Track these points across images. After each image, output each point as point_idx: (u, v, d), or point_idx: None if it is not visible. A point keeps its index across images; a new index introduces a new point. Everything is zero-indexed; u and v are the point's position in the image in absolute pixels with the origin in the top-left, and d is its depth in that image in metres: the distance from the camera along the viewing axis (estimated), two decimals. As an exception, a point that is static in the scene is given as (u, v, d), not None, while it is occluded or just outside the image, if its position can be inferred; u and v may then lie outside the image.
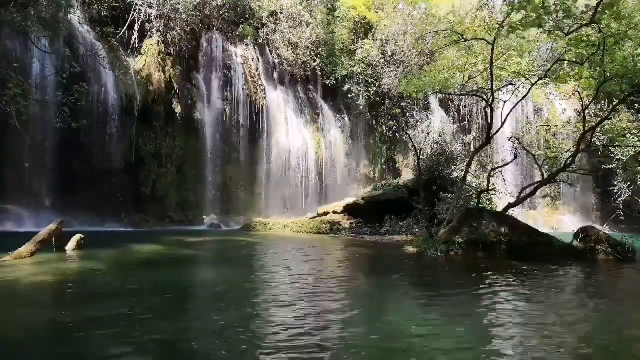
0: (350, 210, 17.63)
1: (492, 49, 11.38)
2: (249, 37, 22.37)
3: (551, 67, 12.41)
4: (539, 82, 12.71)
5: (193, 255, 10.18)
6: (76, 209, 15.03)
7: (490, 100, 12.47)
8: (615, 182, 20.91)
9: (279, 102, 22.52)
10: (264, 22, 22.74)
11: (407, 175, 23.40)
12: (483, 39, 12.13)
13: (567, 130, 23.04)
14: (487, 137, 13.19)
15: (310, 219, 17.75)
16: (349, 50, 24.57)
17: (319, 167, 22.92)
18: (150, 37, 19.09)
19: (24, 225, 14.03)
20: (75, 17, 16.87)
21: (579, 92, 13.75)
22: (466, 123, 26.44)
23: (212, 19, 21.46)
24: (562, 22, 10.52)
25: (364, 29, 25.53)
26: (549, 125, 25.36)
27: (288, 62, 22.83)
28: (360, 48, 24.37)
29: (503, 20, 11.12)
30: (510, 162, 13.75)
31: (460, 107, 26.91)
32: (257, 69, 22.18)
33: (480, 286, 6.67)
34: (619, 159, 19.24)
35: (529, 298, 5.92)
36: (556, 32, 10.89)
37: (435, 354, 3.65)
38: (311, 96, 24.34)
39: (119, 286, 5.99)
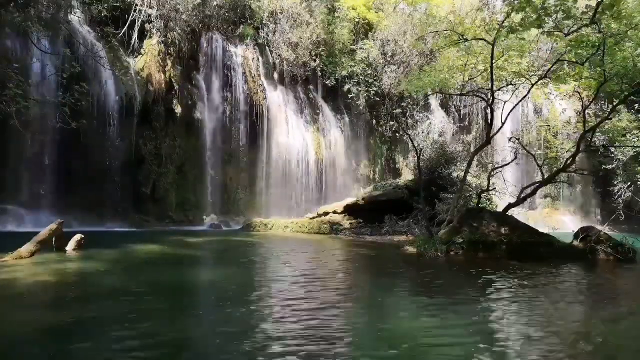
0: (350, 210, 17.63)
1: (492, 49, 11.38)
2: (249, 37, 22.36)
3: (551, 67, 12.40)
4: (539, 82, 12.70)
5: (193, 255, 10.18)
6: (76, 209, 15.02)
7: (490, 100, 12.47)
8: (615, 182, 20.89)
9: (279, 102, 22.51)
10: (264, 22, 22.73)
11: (407, 175, 23.41)
12: (483, 39, 12.13)
13: (567, 130, 23.01)
14: (487, 137, 13.20)
15: (310, 219, 17.75)
16: (349, 50, 24.55)
17: (319, 167, 22.91)
18: (150, 37, 19.08)
19: (24, 225, 14.02)
20: (75, 17, 16.87)
21: (579, 92, 13.74)
22: (466, 123, 26.43)
23: (212, 19, 21.44)
24: (562, 23, 10.52)
25: (364, 29, 25.52)
26: (549, 125, 25.33)
27: (288, 62, 22.81)
28: (360, 48, 24.36)
29: (503, 21, 11.13)
30: (510, 162, 13.75)
31: (460, 107, 26.89)
32: (257, 69, 22.17)
33: (481, 286, 6.67)
34: (619, 159, 19.22)
35: (529, 298, 5.92)
36: (556, 32, 10.89)
37: (436, 354, 3.65)
38: (311, 96, 24.33)
39: (118, 286, 5.99)
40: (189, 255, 9.87)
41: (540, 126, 25.73)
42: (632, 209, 19.41)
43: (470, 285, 6.81)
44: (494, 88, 12.14)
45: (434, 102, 26.34)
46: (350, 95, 24.21)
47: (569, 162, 12.17)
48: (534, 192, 13.28)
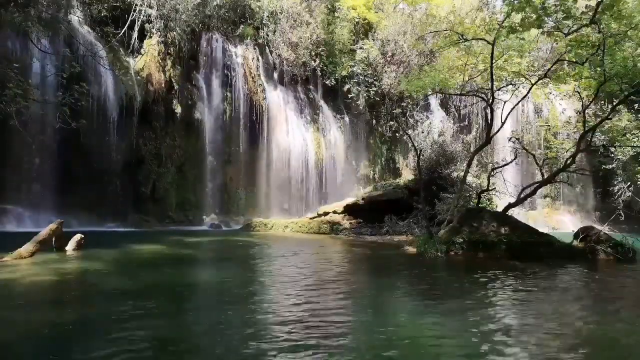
0: (350, 210, 17.63)
1: (492, 49, 11.38)
2: (249, 37, 22.37)
3: (551, 67, 12.40)
4: (539, 82, 12.70)
5: (193, 255, 10.18)
6: (76, 209, 15.02)
7: (490, 100, 12.47)
8: (615, 182, 20.88)
9: (279, 102, 22.51)
10: (264, 22, 22.74)
11: (407, 175, 23.40)
12: (483, 39, 12.13)
13: (567, 130, 23.00)
14: (487, 137, 13.20)
15: (310, 219, 17.75)
16: (349, 50, 24.55)
17: (319, 167, 22.91)
18: (150, 37, 19.08)
19: (24, 225, 14.03)
20: (75, 17, 16.87)
21: (579, 92, 13.73)
22: (466, 123, 26.40)
23: (212, 19, 21.44)
24: (562, 23, 10.52)
25: (364, 29, 25.51)
26: (549, 125, 25.33)
27: (288, 62, 22.81)
28: (360, 48, 24.35)
29: (503, 21, 11.13)
30: (510, 162, 13.74)
31: (460, 107, 26.87)
32: (257, 69, 22.17)
33: (481, 287, 6.67)
34: (619, 159, 19.23)
35: (529, 298, 5.91)
36: (556, 32, 10.89)
37: (436, 355, 3.64)
38: (311, 96, 24.33)
39: (119, 286, 5.99)
40: (189, 256, 9.87)
41: (540, 126, 25.72)
42: (632, 209, 19.41)
43: (471, 285, 6.81)
44: (494, 88, 12.14)
45: (434, 102, 26.33)
46: (350, 95, 24.20)
47: (569, 162, 12.17)
48: (534, 192, 13.27)
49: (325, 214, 18.01)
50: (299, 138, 22.53)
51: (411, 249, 10.72)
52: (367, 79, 24.34)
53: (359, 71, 24.14)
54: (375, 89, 24.33)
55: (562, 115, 23.47)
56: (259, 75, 22.09)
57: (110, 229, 15.49)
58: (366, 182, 24.12)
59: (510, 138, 14.41)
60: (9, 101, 10.84)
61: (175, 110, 19.34)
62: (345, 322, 4.49)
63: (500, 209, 12.92)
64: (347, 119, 24.85)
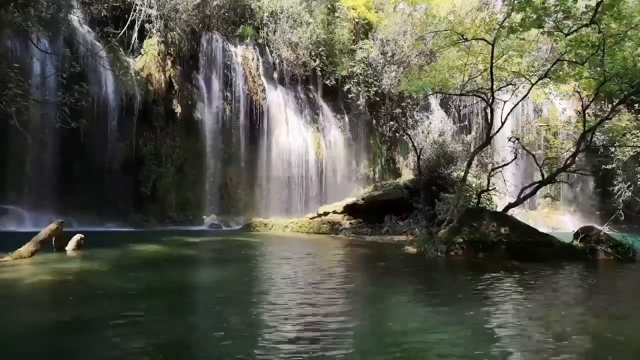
0: (350, 210, 17.63)
1: (492, 49, 11.38)
2: (249, 37, 22.37)
3: (551, 67, 12.40)
4: (539, 82, 12.70)
5: (193, 255, 10.18)
6: (76, 209, 15.02)
7: (490, 100, 12.47)
8: (615, 182, 20.87)
9: (279, 102, 22.51)
10: (264, 22, 22.74)
11: (407, 175, 23.39)
12: (483, 39, 12.13)
13: (567, 130, 22.99)
14: (487, 137, 13.20)
15: (310, 219, 17.74)
16: (349, 50, 24.55)
17: (319, 167, 22.91)
18: (150, 37, 19.08)
19: (24, 225, 14.03)
20: (75, 17, 16.87)
21: (579, 92, 13.74)
22: (466, 123, 26.41)
23: (212, 19, 21.45)
24: (562, 23, 10.52)
25: (364, 29, 25.52)
26: (549, 125, 25.31)
27: (288, 62, 22.82)
28: (360, 48, 24.35)
29: (503, 21, 11.13)
30: (510, 162, 13.75)
31: (460, 107, 26.87)
32: (257, 69, 22.17)
33: (481, 287, 6.67)
34: (619, 159, 19.22)
35: (529, 299, 5.92)
36: (556, 32, 10.90)
37: (435, 355, 3.64)
38: (311, 96, 24.33)
39: (119, 286, 5.99)
40: (189, 256, 9.87)
41: (540, 126, 25.70)
42: (632, 209, 19.40)
43: (471, 286, 6.81)
44: (494, 88, 12.14)
45: (434, 102, 26.32)
46: (350, 95, 24.21)
47: (569, 162, 12.18)
48: (534, 192, 13.28)
49: (325, 214, 18.01)
50: (299, 138, 22.52)
51: (411, 249, 10.72)
52: (367, 79, 24.33)
53: (359, 71, 24.13)
54: (375, 89, 24.32)
55: (562, 115, 23.45)
56: (259, 75, 22.09)
57: (110, 229, 15.48)
58: (366, 182, 24.11)
59: (510, 138, 14.41)
60: (9, 101, 10.85)
61: (175, 110, 19.34)
62: (346, 324, 4.48)
63: (500, 209, 12.92)
64: (347, 119, 24.85)
